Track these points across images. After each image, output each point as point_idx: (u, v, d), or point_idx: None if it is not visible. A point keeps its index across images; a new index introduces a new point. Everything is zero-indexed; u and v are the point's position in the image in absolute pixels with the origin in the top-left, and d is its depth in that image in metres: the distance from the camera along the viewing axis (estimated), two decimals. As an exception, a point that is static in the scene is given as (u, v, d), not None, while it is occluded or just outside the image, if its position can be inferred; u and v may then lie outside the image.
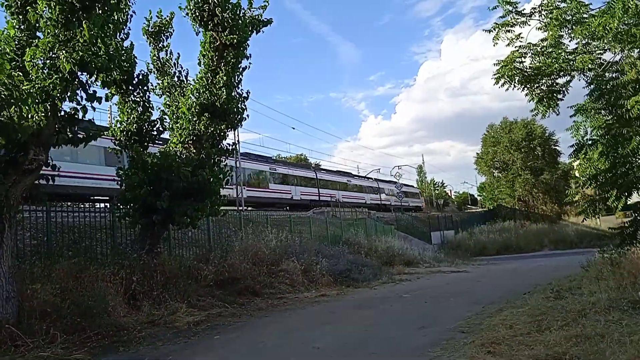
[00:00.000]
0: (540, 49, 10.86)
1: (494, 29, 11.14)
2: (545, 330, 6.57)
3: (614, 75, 10.67)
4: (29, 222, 11.15)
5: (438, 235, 40.68)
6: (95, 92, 8.55)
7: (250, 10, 11.94)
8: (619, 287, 8.54)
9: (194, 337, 8.58)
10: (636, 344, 5.18)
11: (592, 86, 10.89)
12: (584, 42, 10.45)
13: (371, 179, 58.77)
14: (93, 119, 9.22)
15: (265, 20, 12.06)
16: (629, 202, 11.58)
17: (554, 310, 7.84)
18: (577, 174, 15.32)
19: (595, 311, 7.19)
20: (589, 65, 10.28)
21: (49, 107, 7.86)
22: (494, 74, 11.41)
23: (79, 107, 8.39)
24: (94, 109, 8.61)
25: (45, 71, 7.80)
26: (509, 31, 11.10)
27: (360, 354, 6.98)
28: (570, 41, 10.73)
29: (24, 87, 7.55)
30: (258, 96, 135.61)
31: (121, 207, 11.58)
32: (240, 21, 11.66)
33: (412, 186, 72.10)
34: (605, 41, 9.78)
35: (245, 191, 29.80)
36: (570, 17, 10.24)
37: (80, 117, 8.60)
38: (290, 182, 37.36)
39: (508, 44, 11.19)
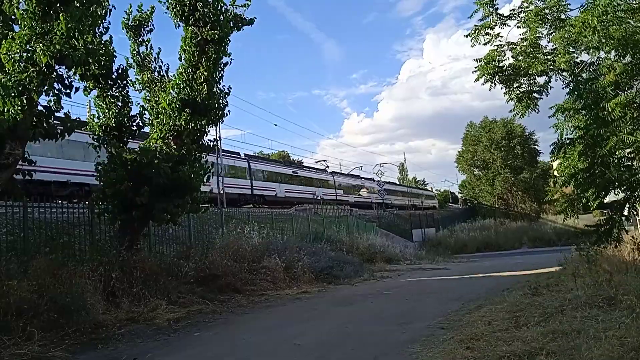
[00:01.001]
0: (520, 47, 10.97)
1: (475, 31, 11.23)
2: (523, 327, 6.66)
3: (591, 76, 10.80)
4: (5, 217, 10.95)
5: (419, 232, 40.95)
6: (72, 82, 8.42)
7: (233, 7, 11.82)
8: (595, 284, 8.65)
9: (174, 334, 8.53)
10: (611, 339, 5.26)
11: (571, 85, 11.02)
12: (563, 43, 10.56)
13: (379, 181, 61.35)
14: (69, 112, 9.04)
15: (248, 19, 11.96)
16: (605, 201, 11.77)
17: (531, 307, 7.94)
18: (556, 173, 15.51)
19: (572, 307, 7.28)
20: (567, 66, 10.39)
21: (25, 101, 7.71)
22: (474, 71, 11.50)
23: (54, 98, 8.24)
24: (69, 96, 8.49)
25: (21, 64, 7.65)
26: (487, 33, 11.21)
27: (340, 351, 7.00)
28: (548, 42, 10.86)
29: (-1, 80, 7.40)
30: (241, 92, 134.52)
31: (100, 203, 11.42)
32: (222, 17, 11.55)
33: (429, 190, 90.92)
34: (588, 45, 9.87)
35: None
36: (549, 15, 10.37)
37: (55, 109, 8.46)
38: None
39: (486, 43, 11.30)
